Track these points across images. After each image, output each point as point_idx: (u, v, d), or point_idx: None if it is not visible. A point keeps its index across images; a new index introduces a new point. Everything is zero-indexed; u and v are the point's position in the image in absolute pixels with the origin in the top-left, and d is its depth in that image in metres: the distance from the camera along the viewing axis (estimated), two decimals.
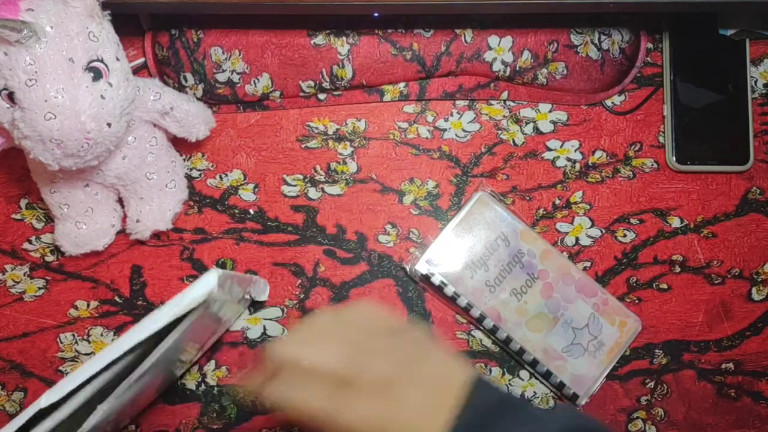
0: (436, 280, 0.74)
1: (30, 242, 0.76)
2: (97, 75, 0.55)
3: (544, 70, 0.78)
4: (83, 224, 0.71)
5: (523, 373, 0.77)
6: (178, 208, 0.74)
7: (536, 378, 0.76)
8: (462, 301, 0.74)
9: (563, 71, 0.78)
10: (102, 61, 0.56)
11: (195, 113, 0.70)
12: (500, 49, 0.77)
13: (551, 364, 0.74)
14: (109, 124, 0.57)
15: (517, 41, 0.77)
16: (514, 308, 0.74)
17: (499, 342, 0.75)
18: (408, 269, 0.75)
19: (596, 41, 0.78)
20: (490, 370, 0.77)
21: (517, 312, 0.74)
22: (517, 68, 0.77)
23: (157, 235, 0.76)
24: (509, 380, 0.77)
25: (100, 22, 0.57)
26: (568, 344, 0.74)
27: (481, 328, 0.75)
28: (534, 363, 0.74)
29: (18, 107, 0.54)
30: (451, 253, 0.75)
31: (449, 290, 0.74)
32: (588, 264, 0.78)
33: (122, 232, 0.75)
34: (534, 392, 0.77)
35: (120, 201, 0.74)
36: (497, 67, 0.77)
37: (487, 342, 0.77)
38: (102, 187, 0.70)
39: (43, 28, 0.53)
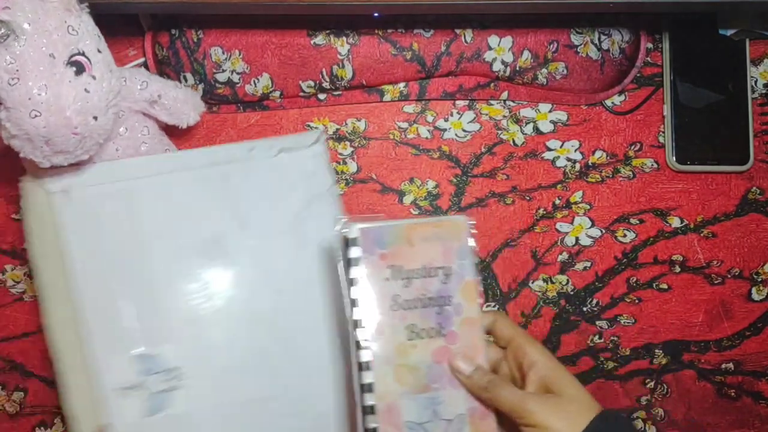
0: (355, 253, 0.56)
1: None
2: (80, 69, 0.52)
3: (544, 70, 0.73)
4: None
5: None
6: None
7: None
8: (357, 293, 0.55)
9: (563, 71, 0.74)
10: (83, 54, 0.52)
11: (183, 99, 0.67)
12: (500, 49, 0.72)
13: (384, 426, 0.54)
14: (95, 118, 0.53)
15: (517, 41, 0.72)
16: (398, 343, 0.55)
17: (357, 361, 0.55)
18: (340, 227, 0.57)
19: (596, 41, 0.74)
20: None
21: (397, 348, 0.55)
22: (517, 68, 0.73)
23: None
24: None
25: (79, 15, 0.53)
26: (416, 421, 0.54)
27: (351, 334, 0.56)
28: (366, 410, 0.54)
29: (3, 107, 0.51)
30: (387, 242, 0.56)
31: (353, 272, 0.55)
32: (588, 264, 0.74)
33: None
34: None
35: None
36: (497, 67, 0.73)
37: None
38: None
39: (20, 26, 0.50)
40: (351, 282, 0.56)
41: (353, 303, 0.55)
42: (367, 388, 0.54)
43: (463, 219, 0.58)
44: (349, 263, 0.56)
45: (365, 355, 0.54)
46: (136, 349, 0.59)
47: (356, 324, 0.55)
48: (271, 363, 0.63)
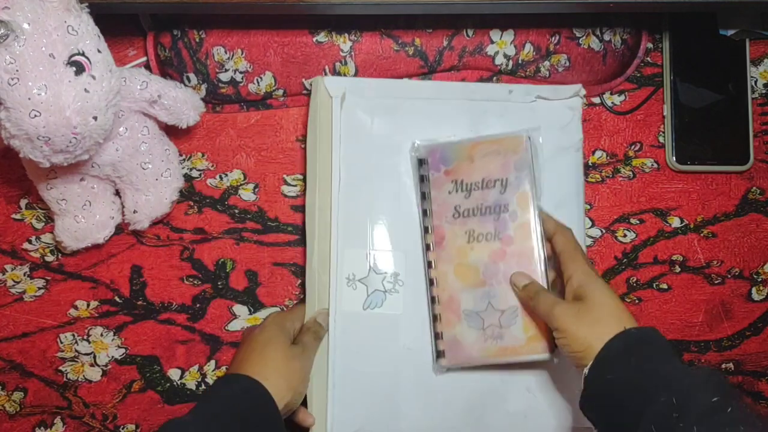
0: (425, 171, 0.66)
1: (30, 242, 0.70)
2: (80, 69, 0.51)
3: (547, 63, 0.73)
4: (82, 218, 0.66)
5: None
6: (175, 196, 0.69)
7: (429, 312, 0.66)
8: (426, 205, 0.66)
9: (565, 63, 0.73)
10: (83, 54, 0.51)
11: (183, 99, 0.66)
12: (502, 43, 0.72)
13: (445, 313, 0.65)
14: (95, 117, 0.52)
15: (519, 34, 0.72)
16: (458, 245, 0.65)
17: (424, 260, 0.66)
18: (413, 150, 0.67)
19: (598, 32, 0.74)
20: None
21: (458, 250, 0.65)
22: (520, 61, 0.72)
23: (157, 235, 0.70)
24: None
25: (78, 15, 0.52)
26: (473, 310, 0.64)
27: (422, 237, 0.66)
28: (432, 300, 0.65)
29: (2, 107, 0.50)
30: (452, 159, 0.66)
31: (424, 187, 0.66)
32: None
33: (123, 233, 0.70)
34: None
35: (118, 193, 0.69)
36: (499, 60, 0.72)
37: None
38: (98, 180, 0.66)
39: (20, 26, 0.49)
40: (422, 195, 0.66)
41: (424, 213, 0.66)
42: (432, 282, 0.65)
43: (523, 134, 0.65)
44: (420, 180, 0.66)
45: (430, 256, 0.65)
46: (371, 248, 0.66)
47: (426, 230, 0.66)
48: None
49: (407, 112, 0.67)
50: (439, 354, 0.65)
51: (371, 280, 0.66)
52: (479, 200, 0.65)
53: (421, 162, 0.66)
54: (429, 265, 0.66)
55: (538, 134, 0.67)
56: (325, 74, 0.71)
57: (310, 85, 0.69)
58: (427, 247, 0.66)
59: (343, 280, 0.65)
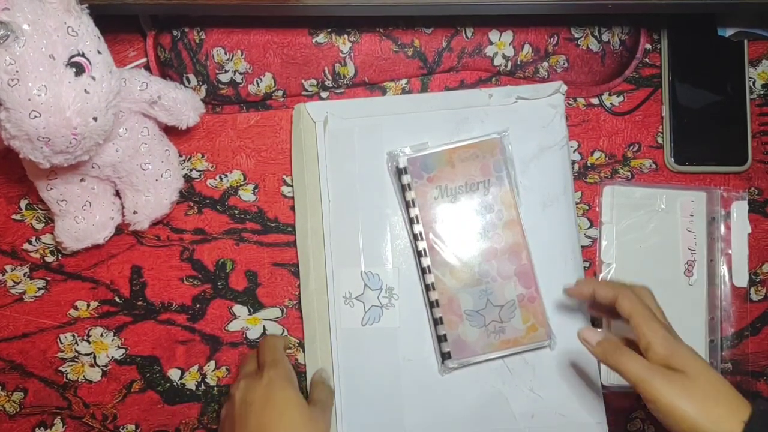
0: (407, 179, 0.67)
1: (30, 243, 0.70)
2: (80, 70, 0.51)
3: (545, 64, 0.73)
4: (82, 218, 0.66)
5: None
6: (175, 197, 0.68)
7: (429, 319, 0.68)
8: (414, 212, 0.67)
9: (564, 64, 0.73)
10: (83, 55, 0.51)
11: (183, 100, 0.65)
12: (501, 44, 0.72)
13: (447, 315, 0.66)
14: (95, 118, 0.52)
15: (518, 35, 0.72)
16: (451, 249, 0.67)
17: (418, 268, 0.68)
18: (391, 160, 0.69)
19: (596, 33, 0.74)
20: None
21: (450, 253, 0.67)
22: (518, 62, 0.72)
23: (157, 235, 0.70)
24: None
25: (78, 16, 0.52)
26: (473, 309, 0.67)
27: (413, 245, 0.68)
28: (432, 305, 0.67)
29: (2, 108, 0.50)
30: (432, 166, 0.68)
31: (409, 195, 0.67)
32: (587, 264, 0.73)
33: (123, 233, 0.70)
34: None
35: (118, 193, 0.68)
36: (498, 61, 0.72)
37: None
38: (98, 181, 0.65)
39: (20, 27, 0.49)
40: (408, 204, 0.67)
41: (412, 221, 0.67)
42: (430, 287, 0.67)
43: (497, 136, 0.68)
44: (403, 188, 0.68)
45: (425, 262, 0.67)
46: (364, 266, 0.69)
47: (416, 237, 0.67)
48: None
49: (389, 128, 0.69)
50: (444, 356, 0.67)
51: (367, 297, 0.68)
52: (465, 203, 0.68)
53: (401, 171, 0.68)
54: (424, 271, 0.67)
55: (510, 135, 0.69)
56: (325, 75, 0.70)
57: (299, 112, 0.70)
58: (421, 254, 0.67)
59: (341, 299, 0.68)
